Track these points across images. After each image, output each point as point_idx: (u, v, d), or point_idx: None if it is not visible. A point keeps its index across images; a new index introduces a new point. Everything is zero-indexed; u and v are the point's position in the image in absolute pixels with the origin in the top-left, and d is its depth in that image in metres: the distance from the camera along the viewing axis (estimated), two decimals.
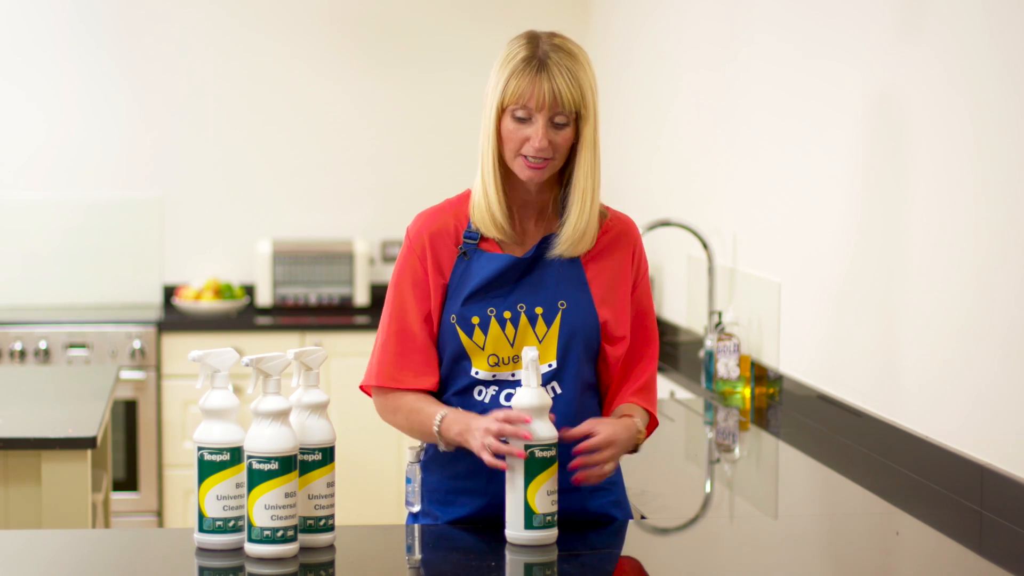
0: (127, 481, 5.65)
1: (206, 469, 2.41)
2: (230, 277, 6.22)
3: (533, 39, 2.55)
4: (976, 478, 2.92)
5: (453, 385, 2.62)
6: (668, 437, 3.78)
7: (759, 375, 4.17)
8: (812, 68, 3.85)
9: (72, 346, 5.63)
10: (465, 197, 2.65)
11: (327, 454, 2.46)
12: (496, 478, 2.53)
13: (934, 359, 3.17)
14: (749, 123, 4.36)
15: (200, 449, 2.41)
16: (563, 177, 2.61)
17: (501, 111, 2.54)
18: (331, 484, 2.47)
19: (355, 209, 6.34)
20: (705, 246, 4.61)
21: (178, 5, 6.18)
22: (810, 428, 3.77)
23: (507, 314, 2.58)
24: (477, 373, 2.60)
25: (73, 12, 6.12)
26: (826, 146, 3.75)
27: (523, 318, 2.58)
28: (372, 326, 5.78)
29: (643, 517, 2.84)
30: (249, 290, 6.22)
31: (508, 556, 2.45)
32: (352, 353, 5.64)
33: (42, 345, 5.61)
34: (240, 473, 2.41)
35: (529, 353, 2.46)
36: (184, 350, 5.67)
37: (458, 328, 2.58)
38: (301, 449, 2.43)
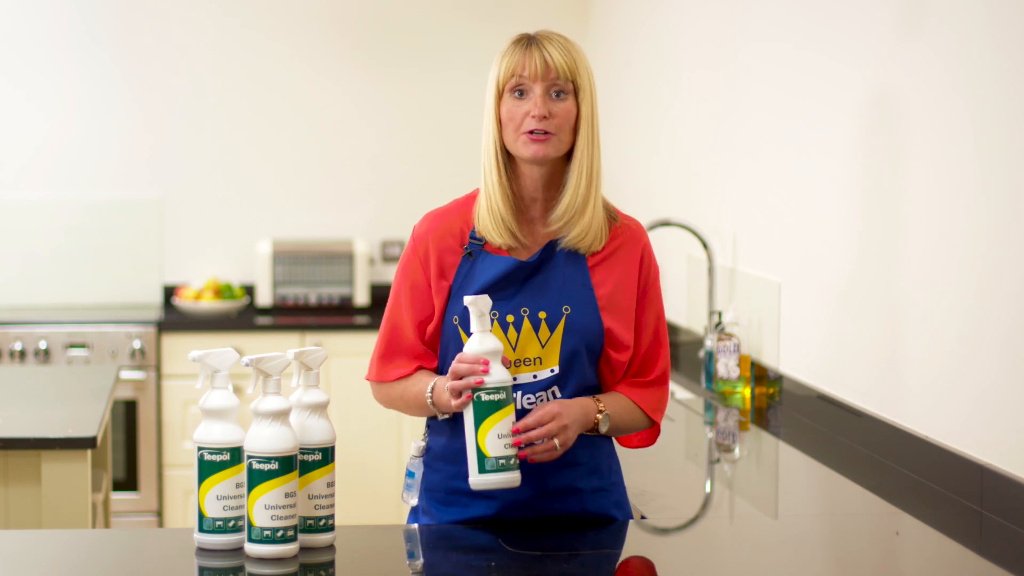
0: (127, 481, 5.65)
1: (206, 469, 2.41)
2: (230, 277, 6.22)
3: (526, 34, 2.60)
4: (976, 478, 2.92)
5: None
6: (668, 437, 3.77)
7: (759, 375, 4.17)
8: (812, 68, 3.85)
9: (72, 346, 5.63)
10: (473, 197, 2.65)
11: (327, 454, 2.46)
12: None
13: (934, 359, 3.17)
14: (749, 123, 4.35)
15: (200, 449, 2.41)
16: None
17: (499, 95, 2.56)
18: (331, 484, 2.47)
19: (355, 209, 6.33)
20: (705, 246, 4.60)
21: (178, 5, 6.17)
22: (810, 428, 3.77)
23: (510, 318, 2.57)
24: None
25: (73, 12, 6.12)
26: (826, 146, 3.75)
27: (526, 322, 2.57)
28: (372, 326, 5.79)
29: (643, 517, 2.84)
30: (249, 290, 6.22)
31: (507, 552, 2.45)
32: (352, 353, 5.64)
33: (42, 345, 5.61)
34: (240, 473, 2.41)
35: (478, 302, 2.46)
36: (184, 350, 5.67)
37: (460, 330, 2.58)
38: (301, 449, 2.43)
